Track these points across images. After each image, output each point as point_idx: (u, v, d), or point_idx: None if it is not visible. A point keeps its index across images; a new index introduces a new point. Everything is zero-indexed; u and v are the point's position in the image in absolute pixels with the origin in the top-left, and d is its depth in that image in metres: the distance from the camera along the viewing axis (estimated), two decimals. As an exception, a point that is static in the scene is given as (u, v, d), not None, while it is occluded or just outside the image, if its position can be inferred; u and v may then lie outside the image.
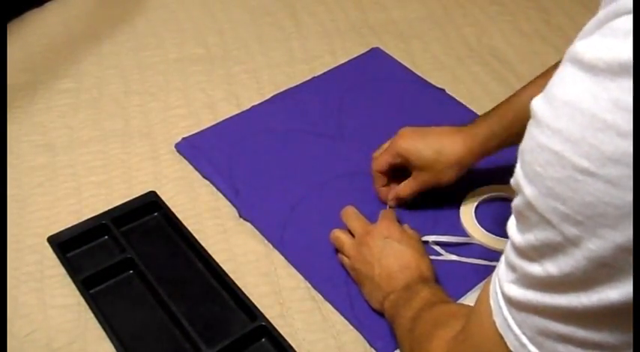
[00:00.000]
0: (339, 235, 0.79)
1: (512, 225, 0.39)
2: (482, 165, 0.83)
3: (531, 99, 0.35)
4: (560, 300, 0.36)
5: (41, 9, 1.22)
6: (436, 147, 0.78)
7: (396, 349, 0.71)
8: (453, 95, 1.05)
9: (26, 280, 0.79)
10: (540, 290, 0.37)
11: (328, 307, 0.77)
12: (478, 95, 1.05)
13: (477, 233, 0.83)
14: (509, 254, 0.40)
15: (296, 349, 0.72)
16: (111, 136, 0.98)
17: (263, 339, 0.74)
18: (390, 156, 0.82)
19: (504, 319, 0.42)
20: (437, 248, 0.82)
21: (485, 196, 0.87)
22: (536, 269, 0.37)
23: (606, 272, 0.32)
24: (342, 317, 0.76)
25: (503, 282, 0.41)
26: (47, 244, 0.82)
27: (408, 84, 1.07)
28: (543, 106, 0.33)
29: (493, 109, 0.79)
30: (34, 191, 0.90)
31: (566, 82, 0.32)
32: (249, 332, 0.73)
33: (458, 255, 0.81)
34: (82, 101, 1.04)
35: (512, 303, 0.40)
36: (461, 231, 0.84)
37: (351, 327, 0.75)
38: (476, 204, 0.86)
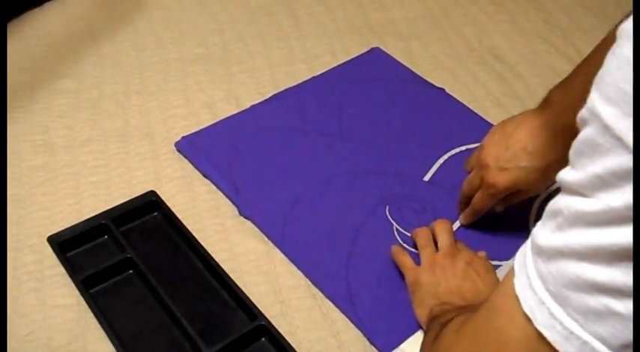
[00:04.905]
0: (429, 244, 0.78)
1: (564, 170, 0.38)
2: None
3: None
4: (612, 237, 0.34)
5: (41, 9, 1.22)
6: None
7: (396, 346, 0.71)
8: (453, 95, 1.05)
9: (26, 280, 0.79)
10: (589, 228, 0.35)
11: (328, 305, 0.77)
12: (478, 95, 1.05)
13: None
14: (552, 203, 0.39)
15: (296, 348, 0.72)
16: (111, 136, 0.98)
17: (263, 339, 0.74)
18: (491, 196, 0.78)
19: (527, 277, 0.40)
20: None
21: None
22: (591, 204, 0.35)
23: None
24: (343, 315, 0.76)
25: (536, 235, 0.40)
26: (47, 244, 0.82)
27: (408, 84, 1.07)
28: None
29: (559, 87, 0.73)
30: (34, 191, 0.90)
31: None
32: (249, 331, 0.73)
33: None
34: (82, 101, 1.04)
35: (544, 253, 0.39)
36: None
37: (352, 325, 0.75)
38: None
